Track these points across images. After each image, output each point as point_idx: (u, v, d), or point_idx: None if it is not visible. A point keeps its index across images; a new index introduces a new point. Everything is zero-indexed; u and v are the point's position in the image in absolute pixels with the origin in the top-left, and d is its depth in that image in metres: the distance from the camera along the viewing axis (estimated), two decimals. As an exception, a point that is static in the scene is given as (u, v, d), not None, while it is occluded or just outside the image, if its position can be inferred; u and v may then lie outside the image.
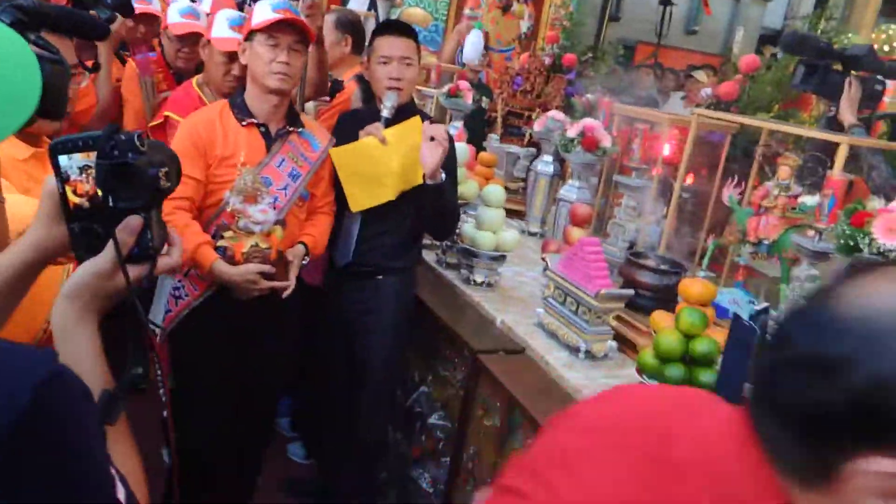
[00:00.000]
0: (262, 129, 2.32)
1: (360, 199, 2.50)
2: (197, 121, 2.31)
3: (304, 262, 2.37)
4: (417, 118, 2.56)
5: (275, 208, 2.24)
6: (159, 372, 1.44)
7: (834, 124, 2.69)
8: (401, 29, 2.57)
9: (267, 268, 2.22)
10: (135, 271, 0.94)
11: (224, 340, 2.33)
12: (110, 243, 0.91)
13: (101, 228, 0.92)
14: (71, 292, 0.92)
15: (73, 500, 0.66)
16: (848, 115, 2.61)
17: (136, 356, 0.95)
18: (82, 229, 0.92)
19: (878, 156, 2.48)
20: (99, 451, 0.73)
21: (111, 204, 0.91)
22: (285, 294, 2.28)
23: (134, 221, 0.92)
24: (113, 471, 0.76)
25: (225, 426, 2.40)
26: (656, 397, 0.91)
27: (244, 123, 2.30)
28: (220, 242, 2.22)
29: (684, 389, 0.82)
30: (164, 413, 2.03)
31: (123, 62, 3.27)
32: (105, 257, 0.92)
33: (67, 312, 0.92)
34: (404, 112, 2.53)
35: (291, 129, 2.37)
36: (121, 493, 0.76)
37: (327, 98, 3.20)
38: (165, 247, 1.01)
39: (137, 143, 0.90)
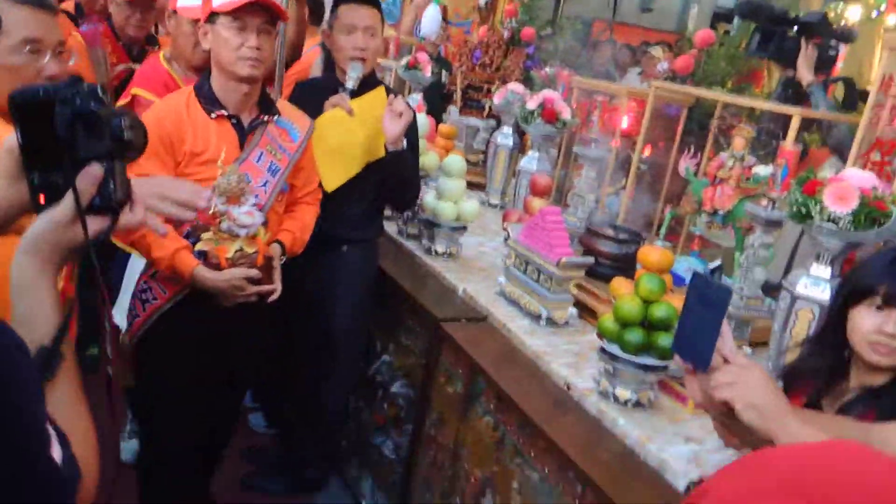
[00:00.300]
0: (234, 120, 2.11)
1: (332, 178, 2.49)
2: (162, 114, 2.07)
3: (281, 261, 2.20)
4: (382, 89, 2.56)
5: (258, 208, 2.06)
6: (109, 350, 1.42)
7: (791, 86, 2.76)
8: None
9: (255, 273, 2.06)
10: (95, 223, 0.92)
11: (195, 345, 2.15)
12: (70, 193, 0.89)
13: (60, 179, 0.90)
14: (30, 246, 0.90)
15: None
16: (806, 73, 2.69)
17: (91, 334, 0.94)
18: (42, 180, 0.90)
19: (819, 90, 2.59)
20: (31, 407, 0.71)
21: (73, 154, 0.90)
22: (272, 298, 2.14)
23: (95, 170, 0.90)
24: (52, 429, 0.75)
25: (192, 425, 2.27)
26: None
27: (213, 116, 2.08)
28: (199, 246, 2.04)
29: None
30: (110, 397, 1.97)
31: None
32: (64, 206, 0.90)
33: (26, 267, 0.90)
34: (367, 83, 2.52)
35: (267, 118, 2.16)
36: (56, 452, 0.74)
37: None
38: (129, 205, 0.98)
39: (100, 94, 0.89)
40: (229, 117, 2.10)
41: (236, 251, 2.03)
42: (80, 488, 0.78)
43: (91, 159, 0.91)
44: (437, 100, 4.34)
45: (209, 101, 2.08)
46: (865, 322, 1.33)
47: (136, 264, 2.26)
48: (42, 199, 0.90)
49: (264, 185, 2.13)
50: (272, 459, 3.00)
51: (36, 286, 0.89)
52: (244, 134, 2.12)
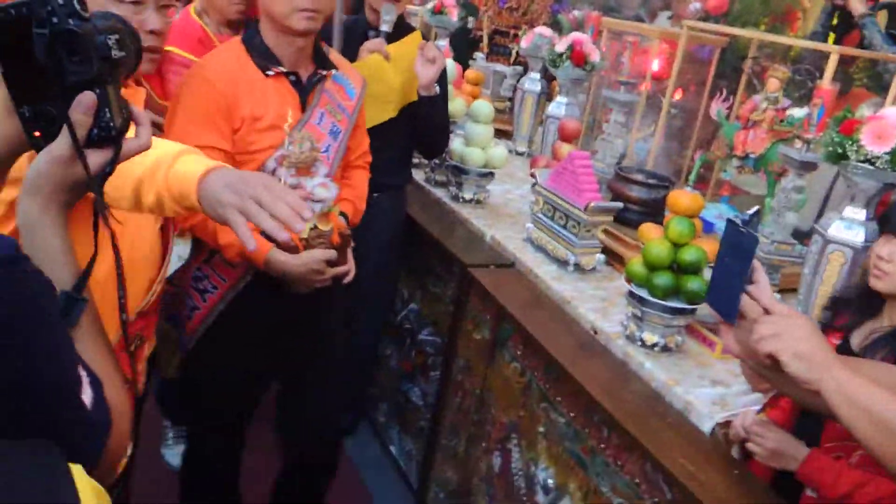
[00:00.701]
0: (293, 77, 1.86)
1: (365, 119, 2.48)
2: (212, 74, 1.78)
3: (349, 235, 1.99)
4: (417, 33, 2.53)
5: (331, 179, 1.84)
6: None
7: (839, 16, 2.68)
8: None
9: (333, 254, 1.84)
10: (97, 156, 0.87)
11: (261, 335, 1.94)
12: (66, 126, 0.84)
13: (54, 109, 0.83)
14: (31, 186, 0.86)
15: (25, 391, 0.63)
16: (857, 3, 2.60)
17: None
18: (34, 112, 0.83)
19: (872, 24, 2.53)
20: (60, 347, 0.70)
21: (61, 81, 0.82)
22: (347, 279, 1.96)
23: (87, 98, 0.83)
24: (83, 372, 0.74)
25: (240, 416, 2.12)
26: None
27: (270, 73, 1.81)
28: None
29: None
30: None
31: None
32: (61, 142, 0.84)
33: (30, 208, 0.86)
34: (399, 28, 2.48)
35: (325, 73, 1.91)
36: (87, 396, 0.72)
37: None
38: (132, 127, 0.93)
39: (78, 7, 0.80)
40: (287, 74, 1.85)
41: (311, 229, 1.82)
42: (111, 433, 0.76)
43: (81, 85, 0.83)
44: (463, 45, 4.27)
45: (264, 56, 1.82)
46: (876, 250, 1.36)
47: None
48: (38, 134, 0.84)
49: (326, 149, 1.90)
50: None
51: (41, 225, 0.86)
52: (305, 93, 1.88)
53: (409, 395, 2.81)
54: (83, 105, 0.83)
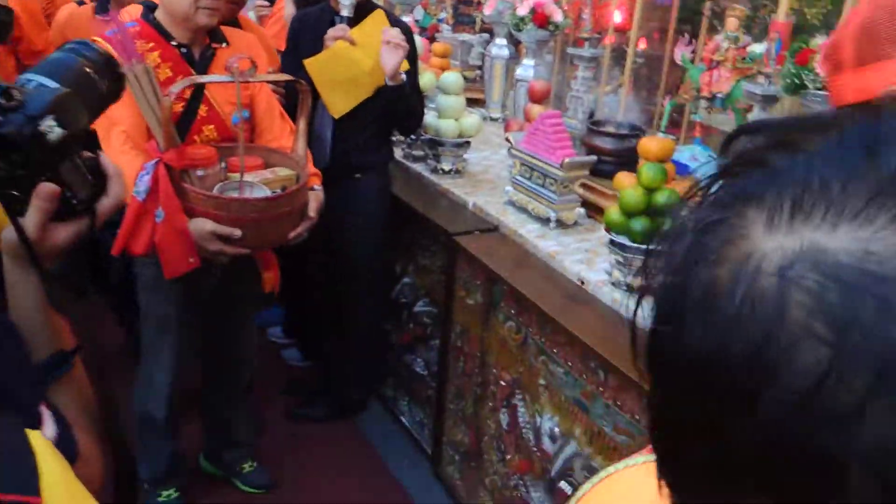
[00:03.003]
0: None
1: (340, 105, 2.52)
2: None
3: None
4: (380, 12, 2.55)
5: None
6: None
7: None
8: None
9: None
10: (69, 229, 0.85)
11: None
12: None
13: (19, 192, 0.81)
14: (9, 249, 0.85)
15: None
16: None
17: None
18: (1, 196, 0.81)
19: None
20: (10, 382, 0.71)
21: (13, 175, 0.79)
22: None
23: (44, 190, 0.80)
24: (47, 411, 0.75)
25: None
26: None
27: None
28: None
29: None
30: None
31: None
32: (28, 221, 0.82)
33: (12, 268, 0.86)
34: (364, 8, 2.50)
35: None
36: (48, 430, 0.73)
37: (267, 3, 3.14)
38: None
39: (2, 101, 0.75)
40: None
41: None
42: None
43: (37, 177, 0.80)
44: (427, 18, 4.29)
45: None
46: None
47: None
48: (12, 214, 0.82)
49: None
50: (313, 388, 3.12)
51: (21, 285, 0.86)
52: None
53: (412, 366, 2.88)
54: (41, 196, 0.81)
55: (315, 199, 2.18)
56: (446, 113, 2.84)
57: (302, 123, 2.16)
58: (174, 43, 2.10)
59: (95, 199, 0.88)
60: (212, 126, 2.17)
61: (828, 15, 3.23)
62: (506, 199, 2.56)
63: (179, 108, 2.10)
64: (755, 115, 2.22)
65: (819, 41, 1.92)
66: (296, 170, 2.17)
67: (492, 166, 3.00)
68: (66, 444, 0.75)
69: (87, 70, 0.88)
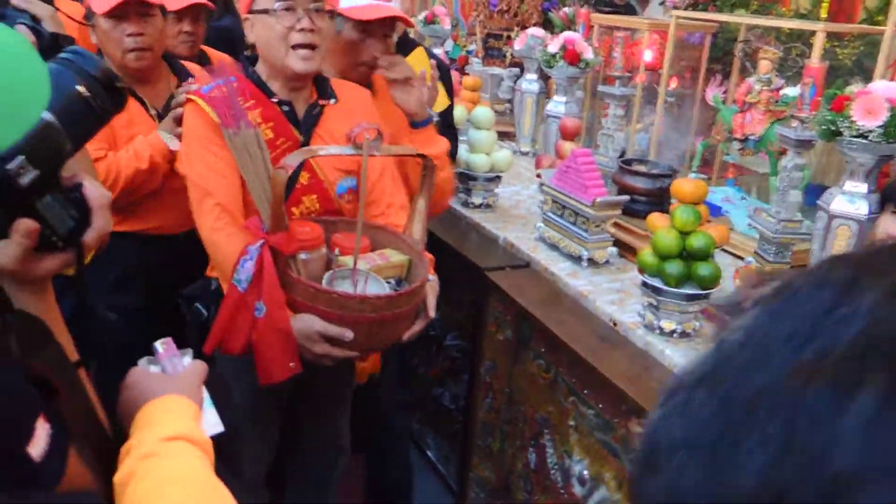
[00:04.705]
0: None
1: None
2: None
3: None
4: (421, 50, 2.55)
5: None
6: None
7: None
8: None
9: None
10: (54, 261, 0.85)
11: None
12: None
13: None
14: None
15: None
16: None
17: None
18: None
19: None
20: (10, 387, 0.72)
21: None
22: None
23: (22, 226, 0.79)
24: (45, 425, 0.74)
25: None
26: None
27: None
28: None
29: None
30: None
31: None
32: (7, 253, 0.81)
33: (8, 285, 0.85)
34: (403, 44, 2.45)
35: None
36: (36, 449, 0.73)
37: None
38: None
39: None
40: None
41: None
42: (60, 482, 0.77)
43: (11, 216, 0.79)
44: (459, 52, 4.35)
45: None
46: (881, 228, 1.39)
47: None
48: None
49: None
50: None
51: (20, 299, 0.86)
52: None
53: (440, 399, 2.88)
54: (19, 232, 0.80)
55: (433, 292, 1.85)
56: (478, 147, 2.87)
57: (422, 202, 1.88)
58: (275, 100, 1.83)
59: (79, 233, 0.86)
60: (314, 196, 1.87)
61: (860, 55, 3.23)
62: (537, 235, 2.58)
63: None
64: (789, 158, 2.22)
65: (854, 87, 1.93)
66: (409, 254, 1.86)
67: (522, 201, 3.02)
68: (51, 461, 0.74)
69: (81, 90, 0.85)
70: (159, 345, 1.10)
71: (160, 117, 2.20)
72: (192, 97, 1.77)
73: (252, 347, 1.66)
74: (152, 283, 2.25)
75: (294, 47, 1.72)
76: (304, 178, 1.84)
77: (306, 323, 1.63)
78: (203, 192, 1.74)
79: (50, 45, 1.16)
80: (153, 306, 2.23)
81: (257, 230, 1.68)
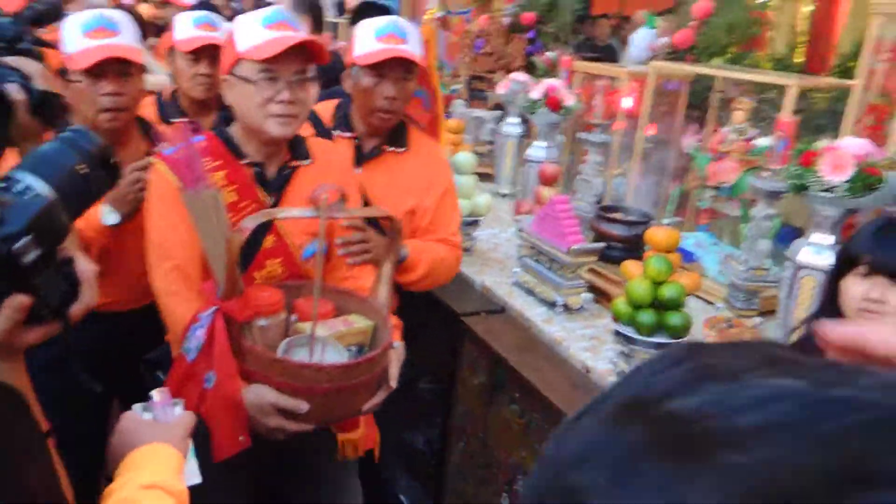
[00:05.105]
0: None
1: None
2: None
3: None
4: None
5: None
6: None
7: None
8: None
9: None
10: (38, 332, 0.87)
11: None
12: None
13: None
14: None
15: None
16: None
17: None
18: None
19: None
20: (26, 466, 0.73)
21: None
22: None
23: (16, 301, 0.82)
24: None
25: None
26: None
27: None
28: None
29: None
30: None
31: None
32: None
33: None
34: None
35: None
36: None
37: None
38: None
39: None
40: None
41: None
42: None
43: (7, 291, 0.81)
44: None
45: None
46: (854, 290, 1.39)
47: None
48: None
49: None
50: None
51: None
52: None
53: (413, 443, 2.87)
54: (12, 307, 0.82)
55: (397, 359, 1.74)
56: (458, 192, 2.89)
57: (387, 266, 1.79)
58: (246, 161, 1.75)
59: (66, 305, 0.88)
60: (277, 260, 1.78)
61: (832, 100, 3.29)
62: (513, 280, 2.59)
63: None
64: (759, 209, 2.26)
65: (822, 143, 1.97)
66: (374, 319, 1.74)
67: (500, 245, 3.04)
68: None
69: (80, 168, 0.88)
70: (156, 393, 1.14)
71: None
72: (154, 160, 1.75)
73: (201, 420, 1.51)
74: (107, 364, 1.93)
75: (272, 116, 1.67)
76: (269, 241, 1.76)
77: (259, 394, 1.53)
78: (162, 253, 1.70)
79: (40, 102, 1.18)
80: (112, 394, 2.15)
81: (212, 295, 1.59)
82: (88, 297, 0.91)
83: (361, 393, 1.63)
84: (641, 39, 3.76)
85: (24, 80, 1.17)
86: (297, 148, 1.81)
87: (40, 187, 0.84)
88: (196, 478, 1.07)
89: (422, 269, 2.11)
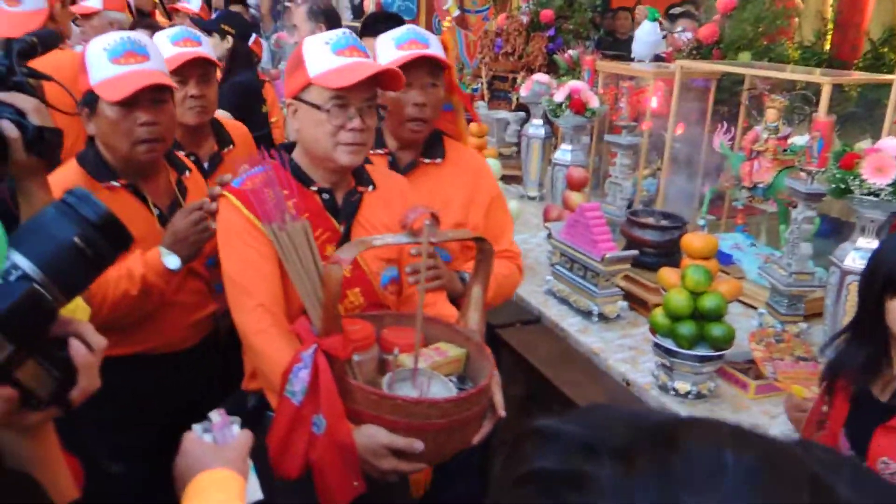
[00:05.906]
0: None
1: None
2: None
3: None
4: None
5: None
6: None
7: None
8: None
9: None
10: (38, 416, 0.83)
11: None
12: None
13: None
14: None
15: None
16: None
17: None
18: None
19: None
20: None
21: None
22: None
23: (4, 393, 0.78)
24: None
25: None
26: None
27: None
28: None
29: None
30: None
31: None
32: None
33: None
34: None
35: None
36: None
37: None
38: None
39: None
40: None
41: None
42: None
43: None
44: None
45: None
46: None
47: None
48: None
49: None
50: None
51: (15, 444, 0.86)
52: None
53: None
54: (2, 399, 0.79)
55: (498, 387, 1.61)
56: (486, 199, 2.87)
57: (477, 289, 1.64)
58: (314, 188, 1.69)
59: (62, 393, 0.83)
60: (357, 290, 1.69)
61: (864, 90, 3.22)
62: (546, 288, 2.56)
63: None
64: (799, 211, 2.20)
65: (863, 145, 1.92)
66: (465, 346, 1.64)
67: (531, 250, 3.01)
68: None
69: (76, 241, 0.82)
70: (214, 414, 1.15)
71: (162, 218, 1.89)
72: (223, 192, 1.67)
73: (311, 468, 1.45)
74: (160, 413, 1.89)
75: (341, 145, 1.61)
76: (346, 270, 1.60)
77: (370, 436, 1.41)
78: (242, 290, 1.60)
79: (35, 138, 1.14)
80: (169, 439, 2.02)
81: (308, 333, 1.47)
82: (86, 384, 0.85)
83: (472, 425, 1.53)
84: (646, 34, 3.68)
85: (19, 115, 1.13)
86: (360, 174, 1.76)
87: (27, 266, 0.77)
88: (258, 494, 1.09)
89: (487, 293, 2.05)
